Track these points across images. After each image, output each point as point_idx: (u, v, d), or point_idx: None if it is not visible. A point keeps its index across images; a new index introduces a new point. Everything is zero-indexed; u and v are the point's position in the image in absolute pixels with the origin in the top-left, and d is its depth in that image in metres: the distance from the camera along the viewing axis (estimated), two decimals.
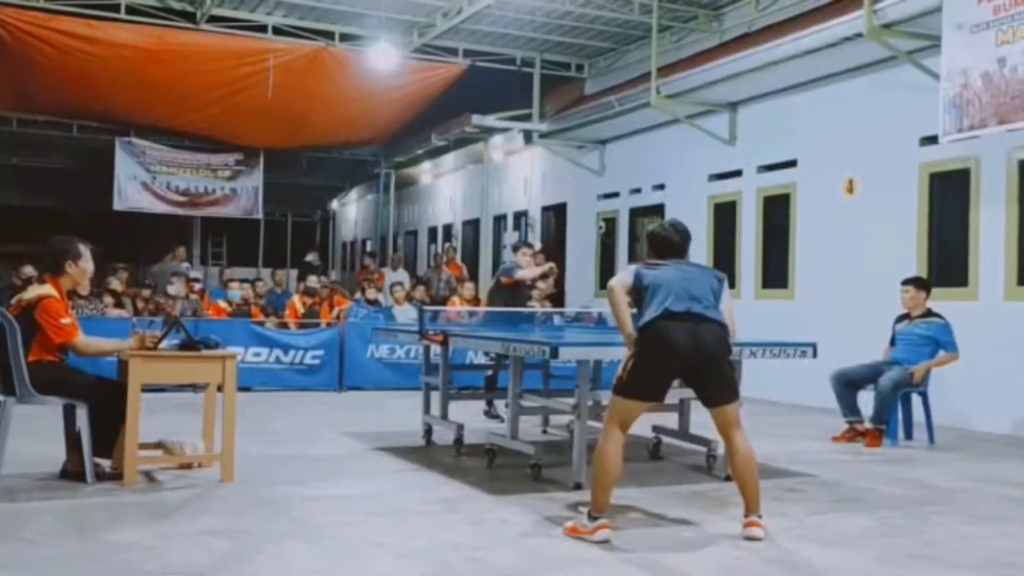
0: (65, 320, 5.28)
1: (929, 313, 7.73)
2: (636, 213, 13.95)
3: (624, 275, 4.63)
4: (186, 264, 15.81)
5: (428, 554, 4.07)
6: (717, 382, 4.52)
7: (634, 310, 4.63)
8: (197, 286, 13.27)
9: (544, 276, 9.93)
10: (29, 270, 11.67)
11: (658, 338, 4.41)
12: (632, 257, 13.86)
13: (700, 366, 4.47)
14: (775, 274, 11.15)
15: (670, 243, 4.77)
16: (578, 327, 9.87)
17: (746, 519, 4.43)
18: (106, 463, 5.37)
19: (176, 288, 12.06)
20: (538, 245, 16.18)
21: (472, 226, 18.83)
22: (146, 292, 12.62)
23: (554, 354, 5.31)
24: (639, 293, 4.55)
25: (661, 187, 13.26)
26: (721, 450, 5.95)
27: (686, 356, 4.42)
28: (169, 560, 3.85)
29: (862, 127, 9.90)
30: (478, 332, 6.98)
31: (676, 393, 6.86)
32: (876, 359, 7.88)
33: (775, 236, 11.19)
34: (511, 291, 8.88)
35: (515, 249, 9.22)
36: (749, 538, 4.36)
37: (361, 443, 7.14)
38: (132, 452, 5.21)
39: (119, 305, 11.77)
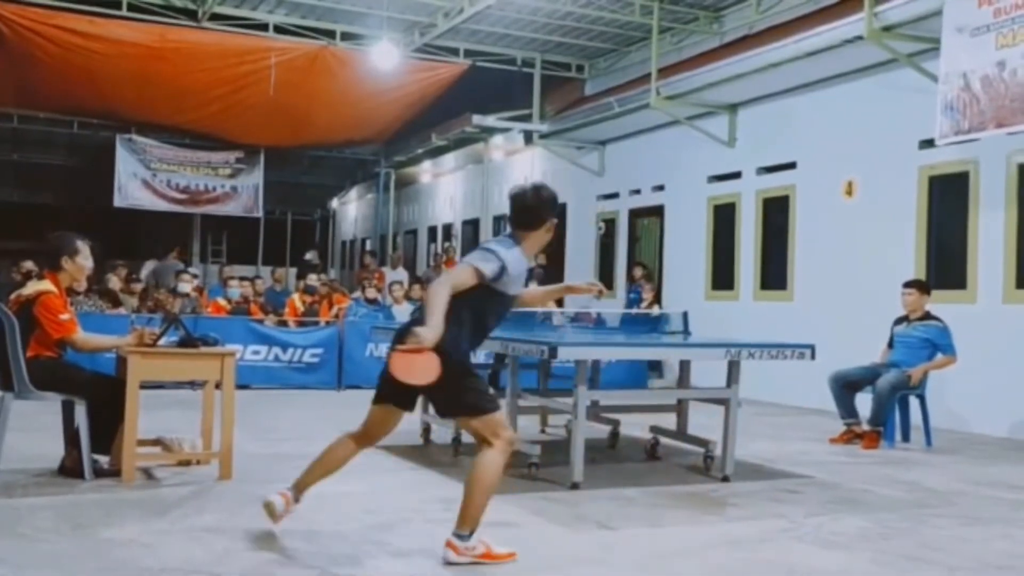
0: (64, 316, 5.28)
1: (927, 316, 7.74)
2: (635, 214, 13.97)
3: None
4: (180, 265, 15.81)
5: (425, 553, 4.07)
6: (441, 400, 4.08)
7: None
8: (195, 282, 13.25)
9: None
10: (29, 265, 11.67)
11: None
12: (631, 258, 13.87)
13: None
14: (774, 276, 11.16)
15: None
16: (577, 327, 9.88)
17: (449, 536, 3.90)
18: (104, 460, 5.37)
19: (185, 286, 12.05)
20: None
21: (472, 226, 18.83)
22: (160, 290, 12.63)
23: (553, 354, 5.31)
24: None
25: (661, 188, 13.27)
26: (719, 450, 5.99)
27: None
28: (166, 557, 3.86)
29: (862, 130, 9.91)
30: None
31: (673, 394, 6.88)
32: (874, 361, 7.90)
33: (774, 238, 11.20)
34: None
35: None
36: (445, 560, 3.87)
37: None
38: (130, 449, 5.21)
39: (118, 302, 11.77)
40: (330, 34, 13.92)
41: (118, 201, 16.87)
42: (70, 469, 5.33)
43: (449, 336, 3.77)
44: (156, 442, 5.68)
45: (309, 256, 17.21)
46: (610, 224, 14.45)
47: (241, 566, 3.77)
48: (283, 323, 11.87)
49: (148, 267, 16.43)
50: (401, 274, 15.42)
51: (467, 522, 3.87)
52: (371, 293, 12.78)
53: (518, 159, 17.07)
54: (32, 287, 5.37)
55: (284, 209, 24.47)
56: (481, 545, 3.89)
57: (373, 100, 15.14)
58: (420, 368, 3.71)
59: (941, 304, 8.02)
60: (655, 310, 11.30)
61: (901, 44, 8.71)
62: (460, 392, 3.93)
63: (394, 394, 4.03)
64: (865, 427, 7.59)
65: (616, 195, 14.28)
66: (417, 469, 6.09)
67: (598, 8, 12.49)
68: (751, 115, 11.62)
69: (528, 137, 15.42)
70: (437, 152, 18.80)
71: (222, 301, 12.40)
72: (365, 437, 4.22)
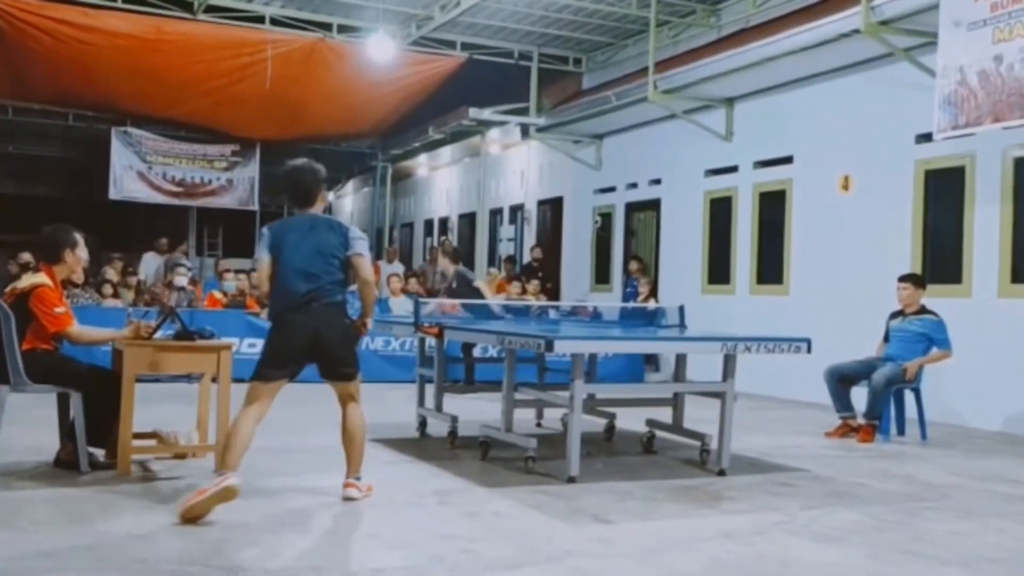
0: (59, 309, 5.27)
1: (923, 310, 7.75)
2: (632, 208, 13.97)
3: (260, 252, 4.77)
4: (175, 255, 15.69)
5: (421, 546, 4.08)
6: (334, 364, 4.82)
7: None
8: (189, 275, 13.21)
9: None
10: (27, 256, 11.63)
11: (282, 327, 4.71)
12: (628, 251, 13.88)
13: (319, 352, 4.74)
14: (770, 270, 11.17)
15: (300, 188, 4.91)
16: (573, 321, 9.88)
17: (345, 480, 4.86)
18: (100, 452, 5.37)
19: (182, 279, 12.02)
20: (532, 240, 16.23)
21: (468, 219, 18.81)
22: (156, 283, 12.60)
23: (549, 347, 5.31)
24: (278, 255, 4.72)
25: (657, 182, 13.26)
26: (715, 444, 6.00)
27: (305, 345, 4.69)
28: (162, 549, 3.86)
29: (858, 124, 9.92)
30: (474, 325, 6.98)
31: (669, 387, 6.88)
32: (870, 355, 7.91)
33: (770, 232, 11.21)
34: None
35: None
36: (346, 498, 4.78)
37: None
38: (126, 442, 5.21)
39: (115, 295, 11.77)
40: (326, 26, 13.89)
41: (113, 194, 16.82)
42: (66, 462, 5.32)
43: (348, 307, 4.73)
44: (152, 435, 5.67)
45: None
46: (607, 218, 14.45)
47: (236, 558, 3.77)
48: None
49: (150, 262, 16.20)
50: (397, 267, 15.42)
51: (358, 467, 4.89)
52: None
53: (515, 153, 17.06)
54: (27, 280, 5.36)
55: (280, 202, 24.39)
56: (366, 484, 4.90)
57: (369, 93, 15.11)
58: None
59: (936, 298, 8.03)
60: (651, 304, 11.30)
61: (898, 38, 8.71)
62: (352, 354, 4.88)
63: (296, 368, 4.76)
64: (861, 421, 7.61)
65: (613, 189, 14.27)
66: (413, 462, 6.09)
67: (595, 1, 12.47)
68: (748, 109, 11.62)
69: (525, 131, 15.40)
70: (433, 145, 18.77)
71: (218, 294, 12.38)
72: (263, 410, 4.77)
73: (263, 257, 4.74)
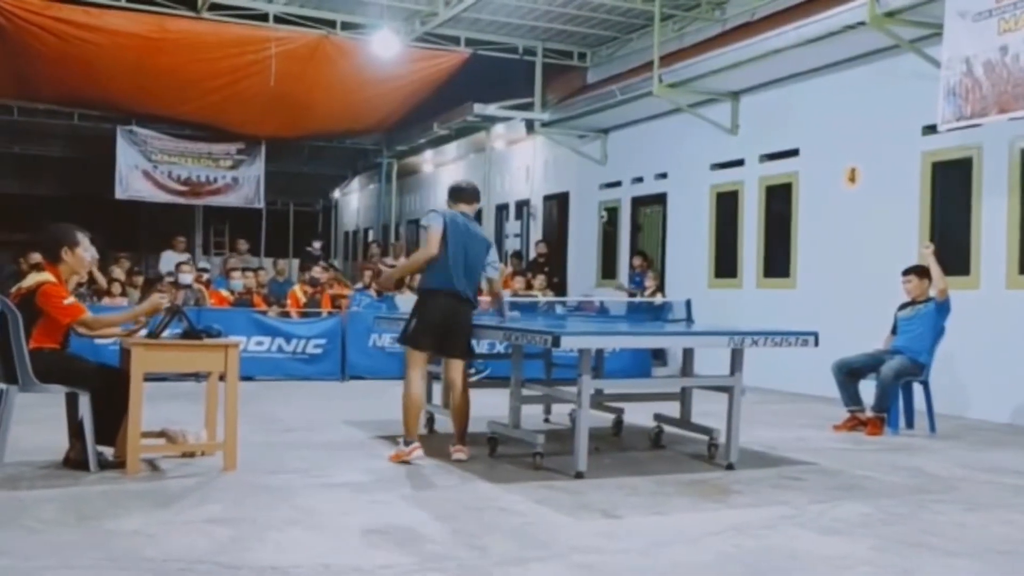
0: (68, 300, 5.26)
1: (931, 299, 7.72)
2: (638, 202, 13.95)
3: (435, 223, 5.88)
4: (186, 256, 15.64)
5: (429, 541, 4.08)
6: (456, 344, 5.93)
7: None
8: (205, 276, 13.22)
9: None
10: (38, 257, 11.62)
11: (434, 307, 5.84)
12: (634, 246, 13.87)
13: (449, 332, 5.87)
14: (777, 263, 11.15)
15: (462, 192, 6.18)
16: (580, 316, 9.88)
17: (454, 447, 5.94)
18: (108, 451, 5.39)
19: (187, 277, 12.03)
20: (538, 235, 16.23)
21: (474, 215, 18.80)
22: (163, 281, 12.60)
23: (556, 343, 5.31)
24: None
25: (663, 176, 13.24)
26: (722, 438, 6.00)
27: (442, 324, 5.83)
28: (171, 548, 3.87)
29: (864, 116, 9.88)
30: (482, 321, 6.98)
31: (677, 382, 6.87)
32: (877, 348, 7.89)
33: (777, 225, 11.19)
34: None
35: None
36: (456, 459, 5.82)
37: (363, 432, 7.16)
38: (135, 440, 5.22)
39: (124, 293, 11.80)
40: (330, 23, 13.86)
41: (119, 193, 16.85)
42: (75, 461, 5.34)
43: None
44: (160, 434, 5.69)
45: (316, 246, 17.06)
46: (612, 213, 14.43)
47: (244, 556, 3.78)
48: (286, 314, 11.87)
49: (169, 259, 16.03)
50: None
51: (465, 437, 5.98)
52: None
53: (520, 148, 17.04)
54: (31, 279, 5.37)
55: (286, 200, 24.44)
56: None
57: (374, 89, 15.11)
58: None
59: None
60: (658, 298, 11.29)
61: (903, 30, 8.68)
62: (470, 338, 6.02)
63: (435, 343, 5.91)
64: (869, 414, 7.59)
65: (618, 183, 14.25)
66: (421, 458, 6.09)
67: None
68: (753, 102, 11.59)
69: (530, 126, 15.37)
70: (439, 141, 18.75)
71: (225, 292, 12.40)
72: (423, 377, 6.05)
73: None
